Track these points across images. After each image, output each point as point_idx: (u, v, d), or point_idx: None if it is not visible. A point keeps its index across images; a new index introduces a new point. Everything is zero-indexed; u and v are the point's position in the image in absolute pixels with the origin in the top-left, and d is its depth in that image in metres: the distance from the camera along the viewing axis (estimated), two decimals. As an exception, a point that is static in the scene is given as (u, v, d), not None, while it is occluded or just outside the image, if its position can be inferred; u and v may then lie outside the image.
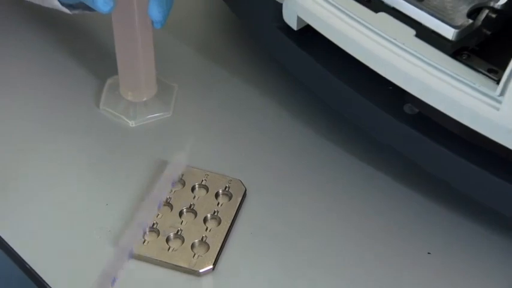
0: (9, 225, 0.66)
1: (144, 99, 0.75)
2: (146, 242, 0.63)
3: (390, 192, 0.70)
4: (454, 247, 0.66)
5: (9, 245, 0.64)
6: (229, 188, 0.68)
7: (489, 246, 0.66)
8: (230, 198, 0.67)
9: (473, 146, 0.59)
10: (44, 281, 0.62)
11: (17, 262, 0.64)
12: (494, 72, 0.55)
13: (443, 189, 0.65)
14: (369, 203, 0.70)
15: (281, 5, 0.67)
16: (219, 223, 0.65)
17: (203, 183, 0.68)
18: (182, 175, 0.69)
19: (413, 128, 0.62)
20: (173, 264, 0.62)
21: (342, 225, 0.68)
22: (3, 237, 0.65)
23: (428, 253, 0.65)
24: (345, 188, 0.70)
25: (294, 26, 0.67)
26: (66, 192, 0.70)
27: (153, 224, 0.64)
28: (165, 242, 0.63)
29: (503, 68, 0.51)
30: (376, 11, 0.59)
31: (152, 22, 0.69)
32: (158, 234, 0.64)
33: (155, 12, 0.67)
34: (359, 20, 0.58)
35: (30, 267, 0.63)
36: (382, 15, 0.58)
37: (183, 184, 0.68)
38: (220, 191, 0.68)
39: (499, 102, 0.52)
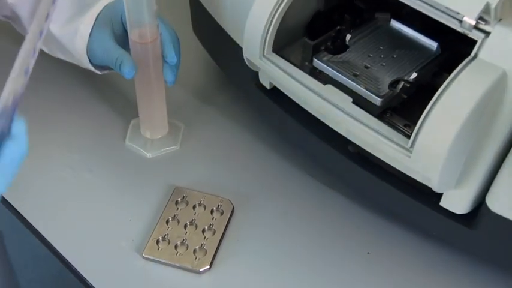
0: (59, 236, 0.67)
1: (159, 136, 0.77)
2: (160, 248, 0.65)
3: (339, 202, 0.71)
4: (391, 248, 0.67)
5: (59, 251, 0.66)
6: (221, 206, 0.69)
7: (423, 247, 0.67)
8: (222, 213, 0.68)
9: (398, 178, 0.60)
10: (85, 278, 0.64)
11: (65, 264, 0.66)
12: (409, 127, 0.58)
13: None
14: (321, 211, 0.71)
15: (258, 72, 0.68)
16: (214, 233, 0.66)
17: (201, 202, 0.69)
18: (186, 196, 0.70)
19: (353, 161, 0.64)
20: (180, 265, 0.64)
21: (301, 230, 0.69)
22: (56, 246, 0.67)
23: (368, 253, 0.67)
24: (304, 203, 0.71)
25: (267, 86, 0.68)
26: (99, 208, 0.70)
27: (165, 235, 0.66)
28: (174, 249, 0.65)
29: (415, 123, 0.52)
30: (324, 83, 0.60)
31: (166, 81, 0.70)
32: (169, 243, 0.65)
33: (169, 75, 0.69)
34: (312, 89, 0.59)
35: (75, 268, 0.65)
36: (329, 86, 0.59)
37: (187, 203, 0.69)
38: (214, 208, 0.69)
39: (410, 152, 0.53)
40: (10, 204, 0.70)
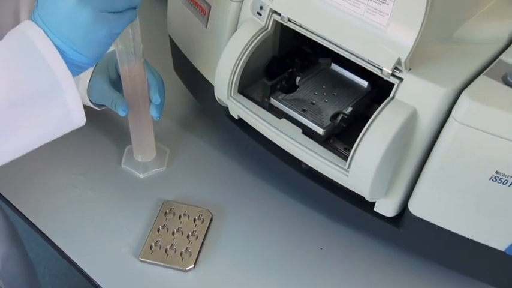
0: (69, 243, 0.70)
1: (149, 159, 0.79)
2: (153, 252, 0.68)
3: (297, 208, 0.74)
4: (339, 243, 0.70)
5: (69, 256, 0.68)
6: (202, 215, 0.71)
7: (365, 242, 0.70)
8: (202, 221, 0.71)
9: (341, 189, 0.64)
10: (92, 278, 0.66)
11: (75, 266, 0.68)
12: (348, 150, 0.61)
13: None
14: (283, 216, 0.73)
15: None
16: (196, 238, 0.69)
17: (186, 213, 0.72)
18: (173, 208, 0.72)
19: (306, 176, 0.67)
20: (170, 266, 0.67)
21: (267, 233, 0.71)
22: (66, 251, 0.69)
23: (321, 248, 0.70)
24: (269, 211, 0.74)
25: (235, 117, 0.71)
26: (101, 221, 0.72)
27: (157, 241, 0.68)
28: (165, 252, 0.68)
29: (352, 146, 0.56)
30: (280, 117, 0.63)
31: (152, 117, 0.73)
32: (160, 247, 0.68)
33: (154, 112, 0.72)
34: (270, 122, 0.63)
35: (84, 271, 0.67)
36: (283, 120, 0.63)
37: (174, 214, 0.72)
38: (196, 217, 0.71)
39: (348, 171, 0.57)
40: (27, 218, 0.73)
